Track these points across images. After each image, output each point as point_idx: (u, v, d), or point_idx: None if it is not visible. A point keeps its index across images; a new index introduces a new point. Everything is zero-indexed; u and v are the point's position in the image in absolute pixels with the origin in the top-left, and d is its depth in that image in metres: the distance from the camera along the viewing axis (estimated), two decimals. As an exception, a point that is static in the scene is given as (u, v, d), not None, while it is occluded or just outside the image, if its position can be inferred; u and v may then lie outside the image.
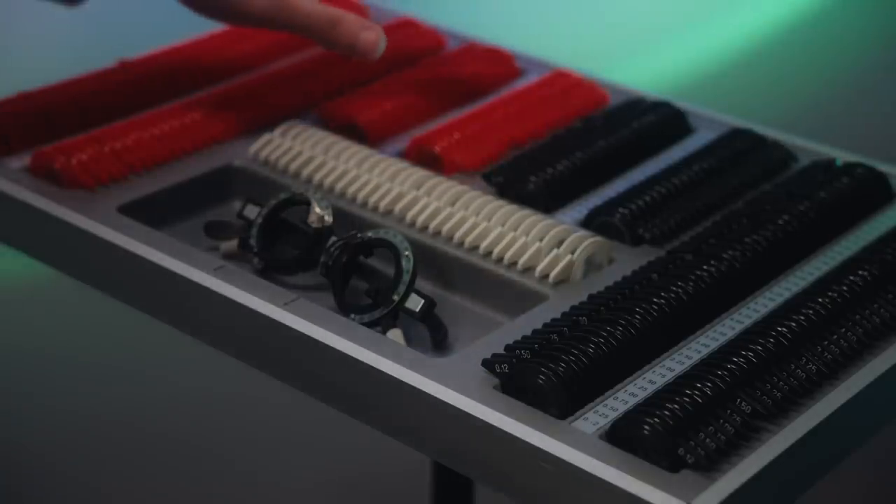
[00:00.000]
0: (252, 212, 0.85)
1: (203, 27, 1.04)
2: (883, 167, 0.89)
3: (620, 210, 0.84)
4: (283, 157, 0.91)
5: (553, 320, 0.74)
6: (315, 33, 0.88)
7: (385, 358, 0.72)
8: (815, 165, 0.89)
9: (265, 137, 0.92)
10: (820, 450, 0.69)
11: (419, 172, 0.87)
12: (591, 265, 0.81)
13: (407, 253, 0.78)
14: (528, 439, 0.66)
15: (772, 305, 0.77)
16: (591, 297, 0.77)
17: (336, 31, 0.87)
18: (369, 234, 0.80)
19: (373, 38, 0.88)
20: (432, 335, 0.78)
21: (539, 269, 0.80)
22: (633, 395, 0.70)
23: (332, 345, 0.73)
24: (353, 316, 0.77)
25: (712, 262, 0.77)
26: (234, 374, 1.19)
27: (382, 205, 0.86)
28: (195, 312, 0.81)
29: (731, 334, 0.74)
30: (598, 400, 0.69)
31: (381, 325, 0.77)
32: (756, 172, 0.90)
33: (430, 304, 0.77)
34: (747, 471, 0.65)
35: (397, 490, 1.51)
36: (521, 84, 1.01)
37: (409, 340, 0.76)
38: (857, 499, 1.52)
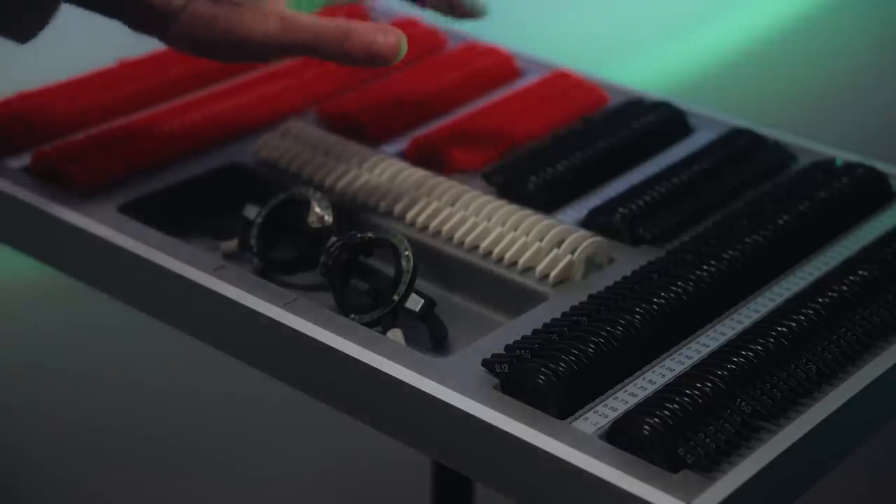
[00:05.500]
0: (252, 212, 0.85)
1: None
2: (883, 167, 0.89)
3: (620, 210, 0.84)
4: (283, 157, 0.91)
5: (553, 320, 0.74)
6: (327, 50, 0.79)
7: (385, 358, 0.72)
8: (815, 165, 0.89)
9: (265, 137, 0.92)
10: (820, 450, 0.69)
11: (419, 172, 0.87)
12: (591, 265, 0.81)
13: (407, 253, 0.78)
14: (528, 439, 0.66)
15: (772, 305, 0.77)
16: (591, 297, 0.77)
17: (349, 43, 0.79)
18: (369, 234, 0.80)
19: (391, 42, 0.79)
20: (432, 335, 0.78)
21: (539, 269, 0.80)
22: (633, 395, 0.70)
23: (332, 345, 0.73)
24: (353, 316, 0.77)
25: (712, 262, 0.77)
26: (234, 374, 1.19)
27: (382, 205, 0.86)
28: (195, 312, 0.81)
29: (731, 334, 0.74)
30: (598, 400, 0.69)
31: (381, 325, 0.77)
32: (756, 172, 0.90)
33: (430, 304, 0.77)
34: (747, 471, 0.65)
35: (397, 490, 1.51)
36: (521, 84, 1.01)
37: (409, 340, 0.76)
38: (857, 499, 1.52)
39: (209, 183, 0.91)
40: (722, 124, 0.96)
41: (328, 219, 0.82)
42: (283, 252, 0.84)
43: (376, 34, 0.79)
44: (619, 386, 0.70)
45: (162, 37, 0.82)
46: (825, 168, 0.88)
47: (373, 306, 0.78)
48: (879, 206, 0.87)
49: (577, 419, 0.68)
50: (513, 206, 0.84)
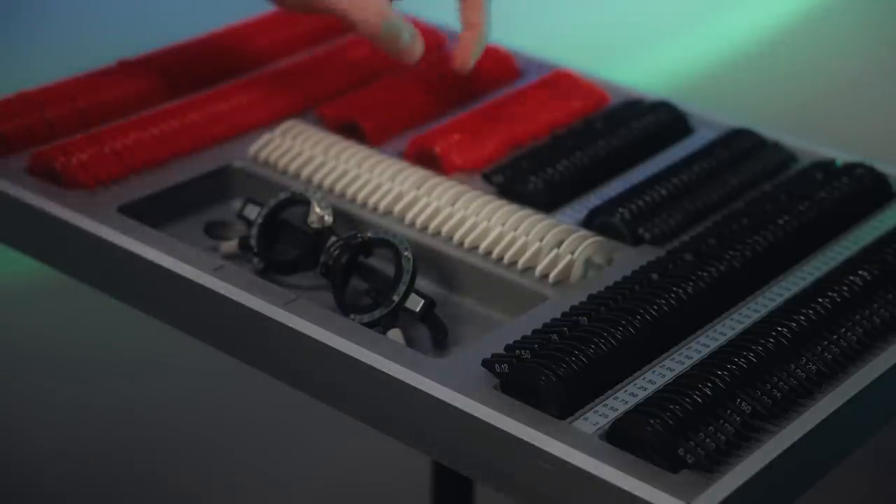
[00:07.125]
0: (252, 212, 0.85)
1: (202, 27, 1.04)
2: (883, 167, 0.89)
3: (620, 210, 0.84)
4: (283, 157, 0.91)
5: (553, 320, 0.74)
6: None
7: (385, 358, 0.72)
8: (814, 166, 0.89)
9: (265, 137, 0.92)
10: (820, 450, 0.69)
11: (419, 172, 0.87)
12: (591, 265, 0.81)
13: (407, 253, 0.78)
14: (528, 439, 0.66)
15: (772, 305, 0.77)
16: (591, 297, 0.77)
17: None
18: (369, 234, 0.80)
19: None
20: (432, 335, 0.78)
21: (539, 269, 0.80)
22: (633, 395, 0.70)
23: (332, 345, 0.73)
24: (353, 316, 0.77)
25: (712, 262, 0.77)
26: (234, 374, 1.19)
27: (382, 205, 0.86)
28: (195, 312, 0.81)
29: (731, 334, 0.74)
30: (598, 400, 0.69)
31: (381, 325, 0.77)
32: (756, 172, 0.90)
33: (430, 304, 0.77)
34: (747, 471, 0.65)
35: (397, 490, 1.51)
36: (521, 84, 1.01)
37: (409, 340, 0.76)
38: (857, 499, 1.52)
39: (209, 183, 0.91)
40: (722, 124, 0.96)
41: (328, 219, 0.82)
42: (283, 252, 0.84)
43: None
44: (619, 386, 0.70)
45: None
46: (825, 168, 0.88)
47: (373, 306, 0.78)
48: (879, 206, 0.87)
49: (577, 419, 0.68)
50: (513, 206, 0.84)
